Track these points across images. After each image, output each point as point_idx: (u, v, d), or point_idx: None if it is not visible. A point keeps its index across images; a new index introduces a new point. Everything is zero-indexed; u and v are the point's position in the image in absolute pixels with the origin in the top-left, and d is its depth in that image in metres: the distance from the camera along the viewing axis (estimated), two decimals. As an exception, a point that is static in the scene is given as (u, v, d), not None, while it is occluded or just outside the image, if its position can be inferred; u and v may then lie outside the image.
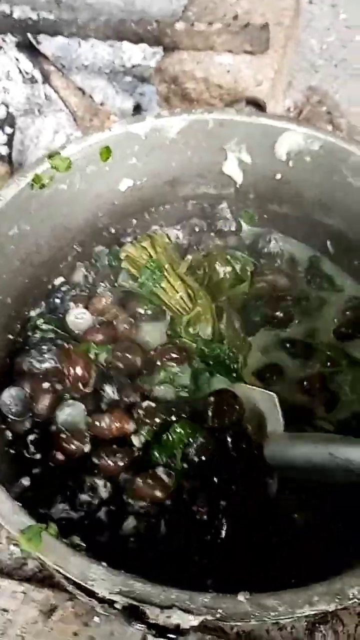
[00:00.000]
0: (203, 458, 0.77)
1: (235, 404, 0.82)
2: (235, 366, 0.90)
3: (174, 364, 0.88)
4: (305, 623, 0.88)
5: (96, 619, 0.83)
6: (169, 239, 1.03)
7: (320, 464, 0.71)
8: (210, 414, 0.81)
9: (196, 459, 0.77)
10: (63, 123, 1.54)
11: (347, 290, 1.00)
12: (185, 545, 0.70)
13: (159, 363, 0.88)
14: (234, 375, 0.89)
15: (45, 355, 0.86)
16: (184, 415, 0.81)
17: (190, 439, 0.77)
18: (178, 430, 0.77)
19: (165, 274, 0.94)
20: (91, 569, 0.56)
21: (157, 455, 0.77)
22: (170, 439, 0.77)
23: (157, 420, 0.80)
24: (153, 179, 1.01)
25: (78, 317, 0.91)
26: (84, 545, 0.60)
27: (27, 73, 1.56)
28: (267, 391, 0.83)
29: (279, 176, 0.98)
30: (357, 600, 0.54)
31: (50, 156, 0.88)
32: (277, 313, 0.95)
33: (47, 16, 1.71)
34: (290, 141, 0.92)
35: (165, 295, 0.94)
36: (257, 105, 0.95)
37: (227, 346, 0.89)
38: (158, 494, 0.73)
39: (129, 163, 0.96)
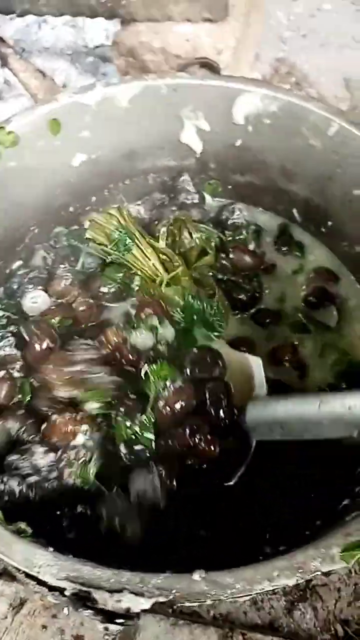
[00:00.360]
0: (178, 405, 0.72)
1: (218, 360, 0.79)
2: (218, 322, 0.87)
3: (152, 314, 0.84)
4: (285, 602, 0.86)
5: (65, 610, 0.79)
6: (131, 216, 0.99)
7: (307, 419, 0.68)
8: (192, 365, 0.78)
9: (171, 407, 0.72)
10: (24, 107, 1.50)
11: (316, 257, 0.97)
12: (146, 526, 0.66)
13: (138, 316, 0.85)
14: (218, 332, 0.87)
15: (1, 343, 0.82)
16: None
17: (167, 383, 0.72)
18: (156, 368, 0.73)
19: (137, 242, 0.90)
20: (36, 555, 0.53)
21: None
22: (150, 376, 0.73)
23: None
24: (109, 152, 0.97)
25: (34, 300, 0.87)
26: (30, 530, 0.56)
27: (-17, 57, 1.51)
28: (252, 355, 0.82)
29: (239, 143, 0.94)
30: (319, 573, 0.51)
31: (-6, 131, 0.84)
32: (241, 297, 0.92)
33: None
34: (247, 103, 0.88)
35: (137, 263, 0.90)
36: (212, 68, 0.90)
37: (210, 301, 0.87)
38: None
39: (81, 136, 0.92)
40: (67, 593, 0.52)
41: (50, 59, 1.61)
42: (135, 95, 0.89)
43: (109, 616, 0.48)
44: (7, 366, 0.81)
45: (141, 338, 0.81)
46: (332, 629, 0.85)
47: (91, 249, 0.93)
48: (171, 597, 0.50)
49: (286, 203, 0.99)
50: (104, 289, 0.91)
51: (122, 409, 0.72)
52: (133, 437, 0.71)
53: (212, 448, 0.72)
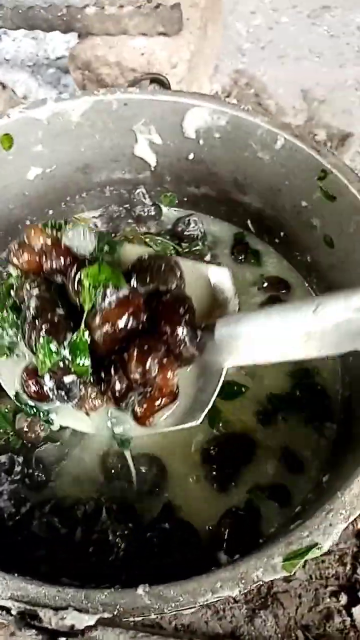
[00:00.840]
0: (123, 321, 0.56)
1: (175, 268, 0.64)
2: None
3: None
4: (246, 610, 0.86)
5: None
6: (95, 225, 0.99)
7: (297, 332, 0.55)
8: (141, 274, 0.61)
9: (113, 323, 0.56)
10: (-16, 119, 1.49)
11: (274, 266, 0.99)
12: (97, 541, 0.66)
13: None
14: None
15: None
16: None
17: (107, 291, 0.56)
18: (93, 271, 0.56)
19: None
20: (-19, 575, 0.52)
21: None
22: (84, 282, 0.56)
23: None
24: (63, 166, 0.97)
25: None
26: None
27: None
28: (217, 266, 0.70)
29: (191, 156, 0.95)
30: (261, 583, 0.52)
31: None
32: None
33: None
34: (197, 118, 0.89)
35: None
36: (162, 83, 0.92)
37: None
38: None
39: (35, 150, 0.92)
40: (12, 612, 0.52)
41: (11, 71, 1.61)
42: (86, 110, 0.90)
43: (52, 635, 0.48)
44: None
45: (79, 239, 0.64)
46: (293, 635, 0.86)
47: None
48: (115, 612, 0.50)
49: (240, 214, 1.01)
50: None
51: (44, 327, 0.56)
52: (61, 364, 0.57)
53: (169, 377, 0.57)
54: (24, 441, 0.78)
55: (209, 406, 0.61)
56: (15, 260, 0.63)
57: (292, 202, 0.90)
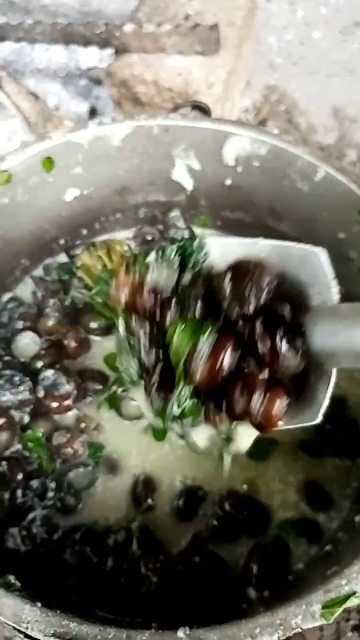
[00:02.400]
0: (220, 370, 0.53)
1: (264, 276, 0.55)
2: None
3: None
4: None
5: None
6: (128, 246, 1.00)
7: None
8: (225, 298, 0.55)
9: (208, 373, 0.53)
10: (16, 129, 1.50)
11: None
12: (132, 579, 0.67)
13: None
14: None
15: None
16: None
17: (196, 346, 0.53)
18: (177, 331, 0.54)
19: None
20: (25, 610, 0.53)
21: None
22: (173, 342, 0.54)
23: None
24: (101, 188, 0.98)
25: (24, 343, 0.88)
26: (19, 584, 0.57)
27: (-24, 79, 1.51)
28: (307, 246, 0.58)
29: (229, 182, 0.96)
30: (300, 629, 0.52)
31: (-13, 170, 0.84)
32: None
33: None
34: (237, 146, 0.90)
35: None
36: (203, 110, 0.92)
37: None
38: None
39: (74, 173, 0.93)
40: (53, 648, 0.53)
41: (42, 81, 1.62)
42: (127, 134, 0.90)
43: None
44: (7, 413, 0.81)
45: (161, 276, 0.59)
46: (315, 666, 0.86)
47: (80, 285, 0.94)
48: (156, 654, 0.51)
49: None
50: (94, 324, 0.92)
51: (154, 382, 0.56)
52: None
53: (277, 406, 0.53)
54: (60, 457, 0.80)
55: (326, 403, 0.54)
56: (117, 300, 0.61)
57: (329, 233, 0.90)
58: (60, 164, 0.90)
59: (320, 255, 0.57)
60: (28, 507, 0.74)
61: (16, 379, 0.81)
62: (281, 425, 0.55)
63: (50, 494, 0.76)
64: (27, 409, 0.82)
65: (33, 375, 0.83)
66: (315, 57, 1.75)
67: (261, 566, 0.70)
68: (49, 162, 0.89)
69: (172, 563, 0.70)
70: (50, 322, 0.89)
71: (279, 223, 0.97)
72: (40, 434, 0.80)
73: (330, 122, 1.59)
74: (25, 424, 0.81)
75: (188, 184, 0.98)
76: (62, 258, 1.02)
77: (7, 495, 0.74)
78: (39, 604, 0.54)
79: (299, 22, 1.85)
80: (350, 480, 0.81)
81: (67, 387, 0.82)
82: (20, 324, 0.90)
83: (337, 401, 0.87)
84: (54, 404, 0.82)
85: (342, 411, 0.88)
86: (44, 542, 0.71)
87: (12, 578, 0.57)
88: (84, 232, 1.03)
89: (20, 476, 0.76)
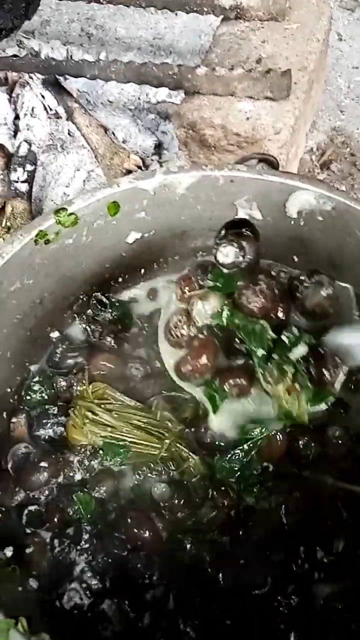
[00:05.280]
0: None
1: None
2: None
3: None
4: None
5: None
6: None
7: None
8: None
9: None
10: (85, 160, 1.55)
11: None
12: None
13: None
14: None
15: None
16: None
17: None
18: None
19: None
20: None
21: None
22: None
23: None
24: (162, 232, 0.99)
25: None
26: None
27: (51, 109, 1.58)
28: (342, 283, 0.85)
29: (290, 233, 0.95)
30: None
31: (56, 212, 0.87)
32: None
33: (74, 53, 1.74)
34: (301, 200, 0.89)
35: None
36: (271, 164, 0.92)
37: None
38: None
39: (138, 217, 0.95)
40: None
41: (113, 114, 1.67)
42: (192, 183, 0.92)
43: None
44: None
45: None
46: None
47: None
48: None
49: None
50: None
51: None
52: None
53: None
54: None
55: None
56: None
57: (390, 293, 0.88)
58: (125, 209, 0.92)
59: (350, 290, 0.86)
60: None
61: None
62: None
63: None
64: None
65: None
66: (385, 99, 1.73)
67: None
68: (114, 207, 0.91)
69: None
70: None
71: (338, 277, 0.95)
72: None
73: None
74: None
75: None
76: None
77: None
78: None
79: (370, 62, 1.83)
80: None
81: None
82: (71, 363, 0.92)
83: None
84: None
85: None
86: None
87: (46, 637, 0.57)
88: (142, 271, 1.04)
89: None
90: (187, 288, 0.86)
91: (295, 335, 0.80)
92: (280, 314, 0.83)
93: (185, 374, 0.83)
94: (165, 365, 0.86)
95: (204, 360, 0.81)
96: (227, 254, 0.80)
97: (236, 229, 0.83)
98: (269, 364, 0.78)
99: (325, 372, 0.78)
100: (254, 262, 0.81)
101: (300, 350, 0.79)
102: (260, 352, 0.79)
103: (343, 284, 0.85)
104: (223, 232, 0.83)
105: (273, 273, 0.89)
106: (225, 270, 0.81)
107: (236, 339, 0.82)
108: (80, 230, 0.90)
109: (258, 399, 0.81)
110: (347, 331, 0.79)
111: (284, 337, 0.80)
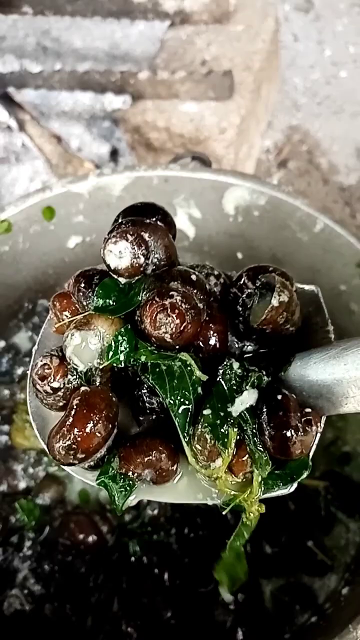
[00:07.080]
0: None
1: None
2: None
3: None
4: None
5: None
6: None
7: None
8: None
9: None
10: (39, 170, 1.55)
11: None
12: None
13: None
14: None
15: None
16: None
17: None
18: None
19: None
20: None
21: None
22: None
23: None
24: (103, 234, 0.97)
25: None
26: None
27: (2, 122, 1.57)
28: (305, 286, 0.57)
29: (230, 230, 0.95)
30: None
31: (-13, 219, 0.86)
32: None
33: (27, 66, 1.74)
34: (236, 196, 0.89)
35: None
36: (203, 161, 0.92)
37: None
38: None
39: (76, 221, 0.94)
40: None
41: (67, 124, 1.67)
42: (127, 185, 0.91)
43: None
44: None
45: None
46: None
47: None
48: None
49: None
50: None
51: None
52: None
53: None
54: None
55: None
56: None
57: (330, 284, 0.87)
58: (61, 213, 0.92)
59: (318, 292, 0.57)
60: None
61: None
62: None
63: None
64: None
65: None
66: (341, 97, 1.74)
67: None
68: (49, 212, 0.90)
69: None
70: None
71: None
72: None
73: (353, 162, 1.56)
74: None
75: (190, 231, 0.98)
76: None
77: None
78: None
79: (326, 61, 1.85)
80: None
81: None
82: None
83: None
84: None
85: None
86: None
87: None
88: (89, 276, 1.03)
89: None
90: (65, 312, 0.54)
91: (237, 373, 0.50)
92: (211, 341, 0.51)
93: (63, 455, 0.47)
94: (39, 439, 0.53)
95: (89, 431, 0.46)
96: (121, 254, 0.52)
97: (137, 215, 0.56)
98: (197, 425, 0.48)
99: (290, 433, 0.46)
100: (165, 264, 0.52)
101: (247, 398, 0.49)
102: (182, 407, 0.48)
103: (307, 287, 0.58)
104: (119, 220, 0.57)
105: (198, 277, 0.52)
106: (120, 280, 0.53)
107: (144, 388, 0.51)
108: (15, 236, 0.90)
109: (188, 482, 0.50)
110: (317, 358, 0.48)
111: (220, 379, 0.50)
